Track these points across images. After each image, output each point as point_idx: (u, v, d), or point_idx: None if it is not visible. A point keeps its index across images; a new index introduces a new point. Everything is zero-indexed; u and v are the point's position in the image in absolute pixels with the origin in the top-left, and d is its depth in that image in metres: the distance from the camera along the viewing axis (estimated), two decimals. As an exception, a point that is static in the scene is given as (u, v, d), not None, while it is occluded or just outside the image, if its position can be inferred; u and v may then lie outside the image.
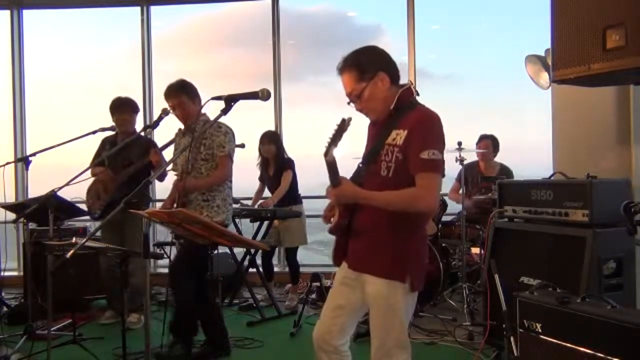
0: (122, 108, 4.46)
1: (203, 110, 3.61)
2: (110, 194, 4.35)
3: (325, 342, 2.27)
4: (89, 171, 4.37)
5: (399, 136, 2.11)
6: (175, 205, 3.43)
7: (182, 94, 3.54)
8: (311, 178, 5.38)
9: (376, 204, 2.10)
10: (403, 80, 2.28)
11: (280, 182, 5.14)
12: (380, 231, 2.13)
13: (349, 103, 2.24)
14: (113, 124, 4.38)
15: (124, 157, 4.34)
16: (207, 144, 3.54)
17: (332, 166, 2.12)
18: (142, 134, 4.64)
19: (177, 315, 3.60)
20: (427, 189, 2.05)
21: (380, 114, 2.22)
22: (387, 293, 2.11)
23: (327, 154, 2.08)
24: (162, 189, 4.66)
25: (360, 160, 2.28)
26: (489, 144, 5.34)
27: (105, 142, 4.57)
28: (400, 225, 2.11)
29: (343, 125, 2.10)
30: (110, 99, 4.54)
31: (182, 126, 3.74)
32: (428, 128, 2.09)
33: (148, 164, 4.25)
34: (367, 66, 2.17)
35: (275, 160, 5.26)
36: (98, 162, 4.37)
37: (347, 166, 2.27)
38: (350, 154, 2.36)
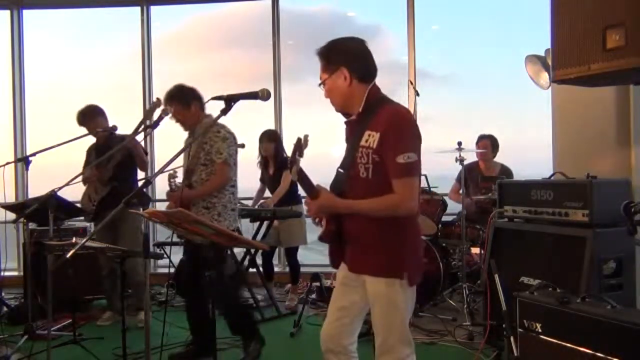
0: (89, 117, 4.43)
1: (208, 112, 3.61)
2: (100, 193, 4.39)
3: (334, 343, 2.27)
4: (82, 178, 4.40)
5: (372, 138, 2.11)
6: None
7: (173, 102, 3.52)
8: (311, 178, 5.37)
9: (357, 212, 2.12)
10: (402, 80, 2.29)
11: (280, 182, 5.14)
12: (371, 232, 2.14)
13: (319, 85, 2.27)
14: (114, 124, 4.39)
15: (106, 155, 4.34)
16: (206, 149, 3.53)
17: (302, 180, 2.16)
18: (143, 134, 4.64)
19: (234, 318, 3.63)
20: (405, 194, 2.07)
21: (340, 107, 2.25)
22: (386, 291, 2.12)
23: (292, 172, 2.15)
24: (162, 190, 4.67)
25: (339, 164, 2.28)
26: (488, 143, 5.33)
27: (90, 151, 4.60)
28: (390, 223, 2.11)
29: (299, 144, 2.18)
30: (110, 99, 4.58)
31: None
32: (400, 129, 2.09)
33: (128, 154, 4.28)
34: (331, 59, 2.19)
35: (274, 159, 5.25)
36: (90, 167, 4.36)
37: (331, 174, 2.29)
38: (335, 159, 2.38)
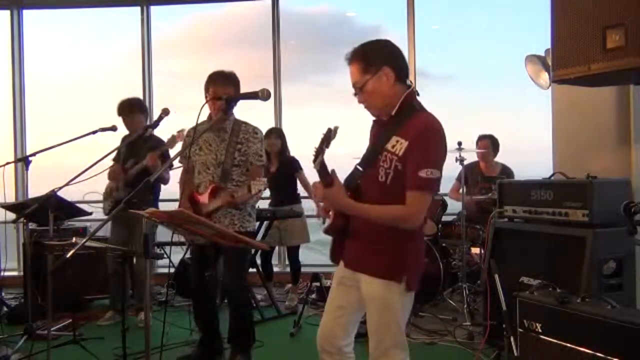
0: (130, 109, 4.47)
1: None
2: (121, 191, 4.41)
3: (329, 344, 2.26)
4: (101, 169, 4.38)
5: (399, 144, 2.07)
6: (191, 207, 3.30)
7: (229, 84, 3.38)
8: (311, 178, 5.39)
9: (363, 216, 2.11)
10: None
11: (282, 182, 5.17)
12: (377, 232, 2.12)
13: (355, 94, 2.21)
14: (113, 124, 4.39)
15: (136, 156, 4.36)
16: (242, 149, 3.40)
17: (321, 171, 2.14)
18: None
19: (235, 325, 3.52)
20: (416, 209, 2.04)
21: (381, 110, 2.19)
22: (383, 293, 2.10)
23: (315, 163, 2.12)
24: (164, 190, 4.68)
25: (358, 160, 2.25)
26: (488, 143, 5.33)
27: (124, 140, 4.54)
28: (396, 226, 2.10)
29: (329, 135, 2.12)
30: (110, 99, 4.57)
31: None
32: (429, 143, 2.05)
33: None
34: (372, 59, 2.15)
35: (277, 157, 5.26)
36: (113, 159, 4.38)
37: (348, 166, 2.27)
38: (352, 154, 2.36)
